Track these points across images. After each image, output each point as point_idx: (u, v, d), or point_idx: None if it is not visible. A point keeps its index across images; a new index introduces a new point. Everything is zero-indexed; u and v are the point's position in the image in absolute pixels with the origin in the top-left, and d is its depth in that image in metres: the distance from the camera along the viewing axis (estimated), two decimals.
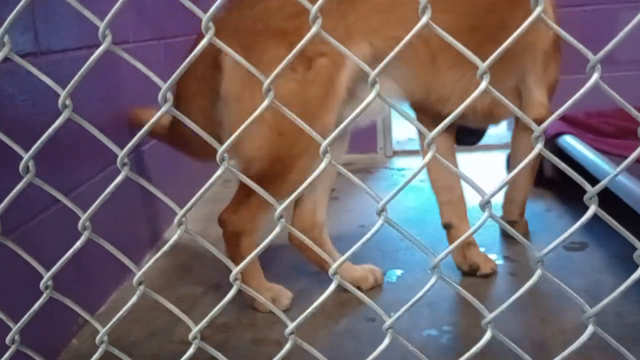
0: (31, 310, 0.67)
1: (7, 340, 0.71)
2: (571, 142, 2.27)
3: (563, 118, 2.46)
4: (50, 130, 0.59)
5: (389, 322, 0.62)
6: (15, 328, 0.69)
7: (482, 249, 1.95)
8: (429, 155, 0.58)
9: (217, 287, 1.81)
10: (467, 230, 1.76)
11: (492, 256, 1.91)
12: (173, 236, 0.63)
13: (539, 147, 0.56)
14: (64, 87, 0.61)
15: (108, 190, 0.59)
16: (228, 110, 1.53)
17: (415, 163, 3.12)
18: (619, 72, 2.92)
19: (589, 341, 0.65)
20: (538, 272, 0.60)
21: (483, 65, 0.56)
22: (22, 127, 1.30)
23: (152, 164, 2.15)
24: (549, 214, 2.28)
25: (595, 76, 0.56)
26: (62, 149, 1.48)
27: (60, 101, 0.59)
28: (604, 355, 1.31)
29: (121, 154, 0.58)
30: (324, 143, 0.57)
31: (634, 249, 0.61)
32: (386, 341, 0.62)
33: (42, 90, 1.31)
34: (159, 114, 0.56)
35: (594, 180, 0.60)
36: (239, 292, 0.65)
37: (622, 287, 0.61)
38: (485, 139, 3.41)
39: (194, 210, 2.70)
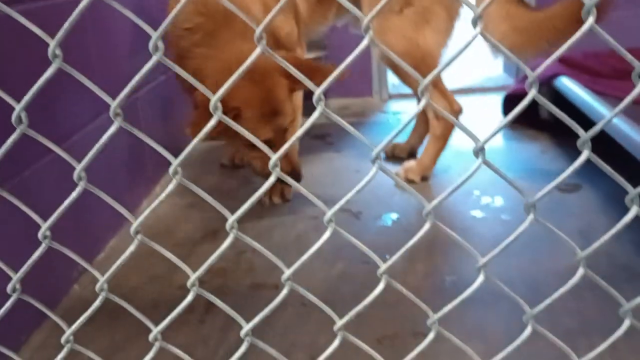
0: (30, 261, 0.68)
1: (8, 289, 0.72)
2: (567, 83, 2.26)
3: (559, 59, 2.44)
4: (40, 81, 0.59)
5: (383, 267, 0.63)
6: (15, 277, 0.70)
7: (476, 192, 1.97)
8: (423, 101, 0.57)
9: (214, 233, 1.83)
10: None
11: (487, 199, 1.93)
12: (169, 184, 0.64)
13: (532, 93, 0.56)
14: (53, 37, 0.60)
15: (102, 141, 0.59)
16: None
17: (411, 106, 3.10)
18: (615, 12, 2.87)
19: (580, 282, 0.67)
20: (530, 217, 0.61)
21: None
22: (13, 78, 1.28)
23: (147, 110, 2.13)
24: (543, 156, 2.29)
25: (590, 20, 0.55)
26: (55, 98, 1.47)
27: (50, 51, 0.59)
28: (595, 294, 1.35)
29: (113, 104, 0.58)
30: (317, 91, 0.57)
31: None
32: (380, 286, 0.63)
33: (33, 40, 1.29)
34: (149, 63, 0.56)
35: (590, 123, 0.60)
36: (236, 239, 0.65)
37: (613, 231, 0.61)
38: (481, 82, 3.40)
39: (190, 156, 2.70)
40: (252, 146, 1.72)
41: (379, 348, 1.26)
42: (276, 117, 1.75)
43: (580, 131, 0.58)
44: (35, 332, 1.37)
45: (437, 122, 2.12)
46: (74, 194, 0.62)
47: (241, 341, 0.70)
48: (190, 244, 1.77)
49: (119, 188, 1.89)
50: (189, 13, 1.73)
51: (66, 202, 0.62)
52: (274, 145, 1.72)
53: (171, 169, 0.60)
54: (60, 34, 0.58)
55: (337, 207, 0.59)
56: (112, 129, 0.58)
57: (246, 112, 1.68)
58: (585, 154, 0.58)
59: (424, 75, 0.57)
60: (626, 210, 0.62)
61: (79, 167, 0.61)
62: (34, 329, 1.37)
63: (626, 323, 0.67)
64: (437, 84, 2.10)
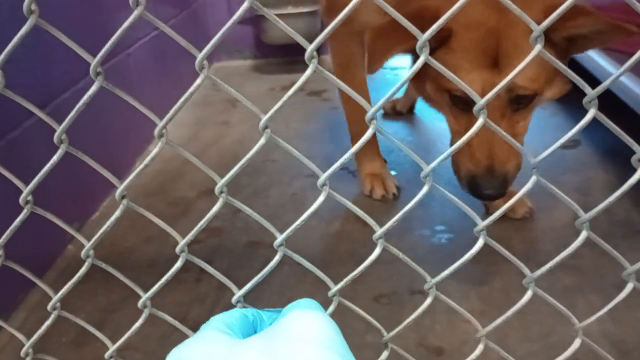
0: (12, 226, 0.66)
1: None
2: None
3: None
4: (16, 38, 0.55)
5: (379, 232, 0.61)
6: None
7: None
8: (422, 58, 0.54)
9: (209, 192, 1.80)
10: None
11: None
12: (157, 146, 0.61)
13: (538, 48, 0.53)
14: None
15: (82, 101, 0.55)
16: None
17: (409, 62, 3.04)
18: None
19: None
20: (533, 179, 0.58)
21: None
22: None
23: (139, 67, 2.09)
24: (542, 112, 2.25)
25: None
26: (43, 55, 1.42)
27: (25, 6, 0.55)
28: (592, 252, 1.33)
29: (93, 62, 0.55)
30: (310, 48, 0.53)
31: (626, 145, 0.59)
32: (377, 251, 0.61)
33: None
34: (130, 18, 0.52)
35: (590, 78, 0.58)
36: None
37: (618, 193, 0.59)
38: None
39: (185, 114, 2.65)
40: (455, 117, 1.28)
41: (376, 307, 1.26)
42: (496, 69, 1.14)
43: (587, 88, 0.55)
44: (32, 292, 1.36)
45: None
46: (54, 158, 0.59)
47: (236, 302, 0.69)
48: (185, 203, 1.75)
49: (111, 147, 1.85)
50: None
51: (47, 166, 0.60)
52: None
53: (156, 130, 0.57)
54: None
55: (330, 171, 0.56)
56: (93, 89, 0.55)
57: (457, 39, 1.13)
58: (591, 113, 0.56)
59: None
60: (625, 166, 0.60)
61: (59, 130, 0.58)
62: (30, 288, 1.36)
63: (629, 286, 0.66)
64: None
